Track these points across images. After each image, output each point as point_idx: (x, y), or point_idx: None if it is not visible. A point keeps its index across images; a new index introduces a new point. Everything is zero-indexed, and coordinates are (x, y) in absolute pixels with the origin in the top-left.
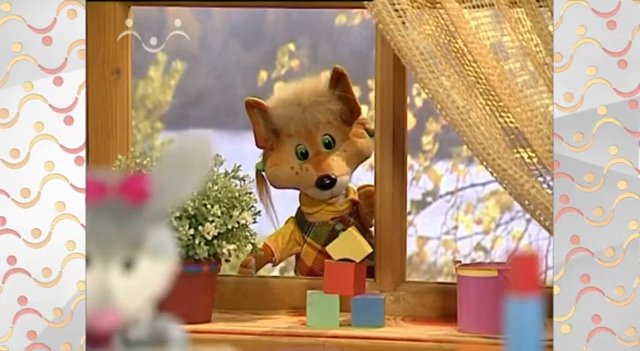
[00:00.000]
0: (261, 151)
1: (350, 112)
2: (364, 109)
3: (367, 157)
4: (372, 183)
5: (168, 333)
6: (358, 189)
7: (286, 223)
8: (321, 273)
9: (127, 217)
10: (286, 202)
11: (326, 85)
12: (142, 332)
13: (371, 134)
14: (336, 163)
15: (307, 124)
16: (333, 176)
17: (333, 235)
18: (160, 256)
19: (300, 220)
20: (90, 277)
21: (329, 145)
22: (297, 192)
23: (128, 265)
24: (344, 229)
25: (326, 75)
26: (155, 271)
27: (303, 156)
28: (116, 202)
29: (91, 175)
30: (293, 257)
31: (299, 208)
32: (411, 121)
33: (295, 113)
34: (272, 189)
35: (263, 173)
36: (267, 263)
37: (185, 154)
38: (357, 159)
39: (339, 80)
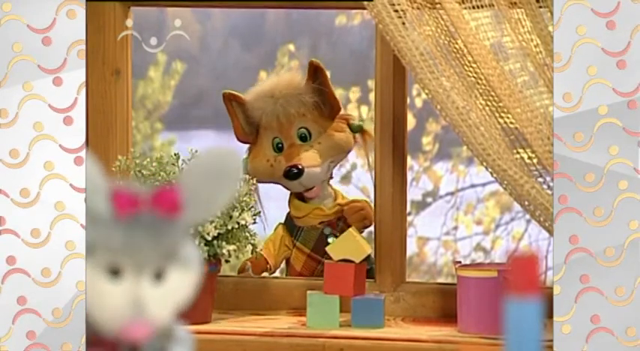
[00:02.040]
0: (247, 147)
1: (330, 107)
2: (364, 109)
3: (346, 151)
4: (359, 197)
5: (174, 334)
6: (347, 203)
7: (275, 229)
8: (310, 277)
9: (161, 228)
10: (278, 207)
11: (303, 79)
12: (152, 339)
13: (354, 130)
14: (306, 155)
15: (279, 115)
16: (300, 166)
17: (321, 239)
18: (188, 266)
19: (289, 224)
20: (119, 288)
21: (304, 138)
22: (287, 197)
23: (158, 275)
24: (332, 234)
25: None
26: (183, 281)
27: (280, 149)
28: (149, 214)
29: (118, 188)
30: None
31: (288, 213)
32: (411, 121)
33: (268, 105)
34: (261, 187)
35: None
36: (264, 271)
37: (216, 167)
38: (333, 152)
39: (315, 74)
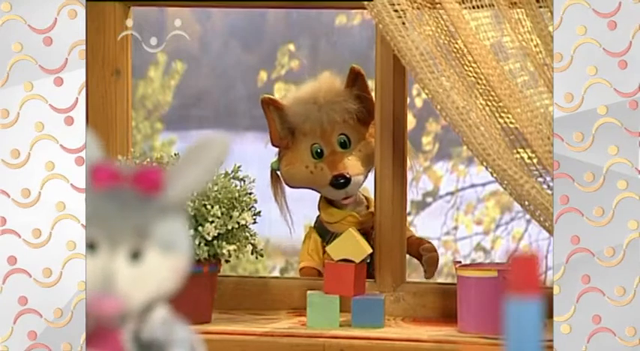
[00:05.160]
0: (276, 150)
1: (367, 112)
2: None
3: None
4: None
5: (176, 334)
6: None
7: (308, 235)
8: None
9: (137, 206)
10: (303, 210)
11: (343, 84)
12: (155, 333)
13: None
14: (350, 163)
15: (323, 122)
16: (348, 175)
17: None
18: (169, 250)
19: (320, 229)
20: (93, 262)
21: (344, 145)
22: (314, 199)
23: (135, 255)
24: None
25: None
26: (163, 264)
27: (319, 155)
28: (127, 190)
29: (101, 162)
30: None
31: (318, 217)
32: (411, 121)
33: (311, 111)
34: (287, 189)
35: (278, 173)
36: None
37: (201, 150)
38: (372, 159)
39: (356, 79)
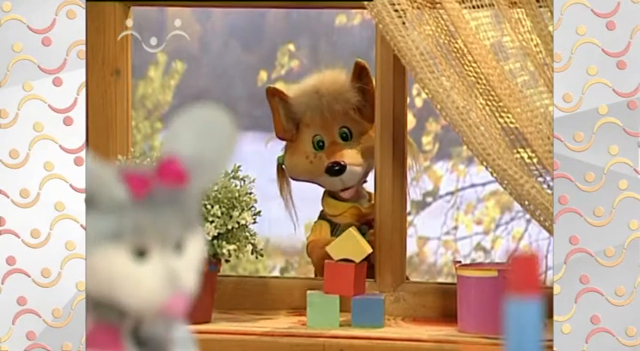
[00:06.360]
0: (283, 145)
1: (371, 108)
2: None
3: None
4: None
5: (175, 332)
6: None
7: (317, 224)
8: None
9: (177, 199)
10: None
11: (347, 78)
12: (154, 330)
13: None
14: (348, 153)
15: (324, 112)
16: (343, 163)
17: None
18: (198, 231)
19: (325, 222)
20: (150, 268)
21: (346, 138)
22: (317, 198)
23: (178, 246)
24: (369, 232)
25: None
26: (198, 246)
27: (320, 147)
28: (161, 188)
29: (126, 171)
30: (306, 256)
31: (322, 212)
32: (411, 121)
33: (313, 101)
34: (293, 185)
35: (284, 167)
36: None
37: (206, 126)
38: (372, 154)
39: (360, 74)
